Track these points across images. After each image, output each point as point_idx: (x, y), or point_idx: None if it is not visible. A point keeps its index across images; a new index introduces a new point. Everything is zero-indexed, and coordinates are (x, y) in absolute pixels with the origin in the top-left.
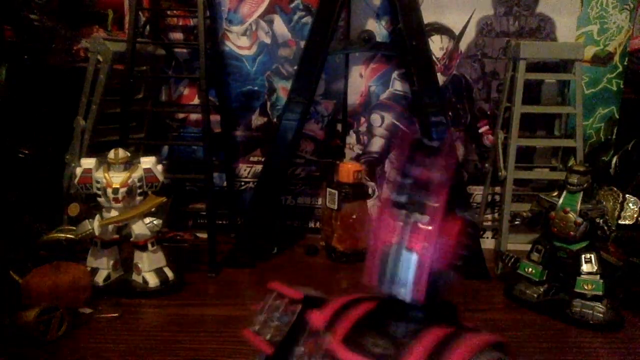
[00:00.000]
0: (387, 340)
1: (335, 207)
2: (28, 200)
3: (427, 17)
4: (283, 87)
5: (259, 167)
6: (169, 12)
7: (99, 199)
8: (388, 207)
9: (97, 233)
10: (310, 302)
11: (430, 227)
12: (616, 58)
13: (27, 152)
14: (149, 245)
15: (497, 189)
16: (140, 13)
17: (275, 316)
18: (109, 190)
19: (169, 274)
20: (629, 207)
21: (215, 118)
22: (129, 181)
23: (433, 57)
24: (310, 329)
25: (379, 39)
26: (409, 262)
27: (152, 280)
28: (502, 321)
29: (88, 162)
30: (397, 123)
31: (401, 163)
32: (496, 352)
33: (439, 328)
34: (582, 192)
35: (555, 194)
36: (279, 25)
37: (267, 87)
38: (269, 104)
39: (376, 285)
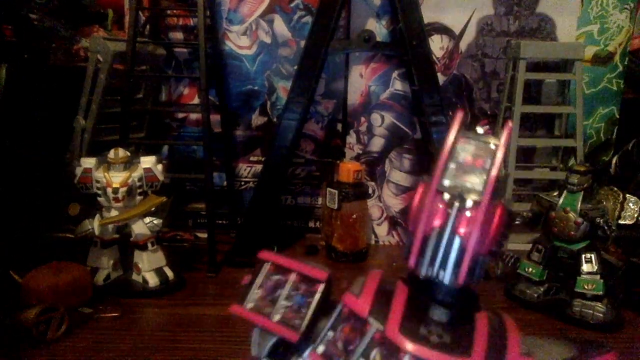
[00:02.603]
0: (436, 328)
1: (335, 206)
2: (28, 200)
3: (427, 17)
4: (283, 87)
5: (259, 167)
6: (169, 12)
7: (99, 198)
8: (432, 192)
9: (97, 233)
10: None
11: (476, 212)
12: (616, 58)
13: (27, 152)
14: (149, 245)
15: None
16: (140, 13)
17: (281, 293)
18: (109, 190)
19: (169, 273)
20: (629, 207)
21: (215, 118)
22: (129, 181)
23: (433, 57)
24: (345, 312)
25: (379, 39)
26: (453, 246)
27: (152, 280)
28: None
29: (88, 162)
30: (397, 123)
31: (448, 147)
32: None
33: (484, 317)
34: (582, 192)
35: (556, 193)
36: (279, 25)
37: (267, 87)
38: (269, 103)
39: (415, 267)
